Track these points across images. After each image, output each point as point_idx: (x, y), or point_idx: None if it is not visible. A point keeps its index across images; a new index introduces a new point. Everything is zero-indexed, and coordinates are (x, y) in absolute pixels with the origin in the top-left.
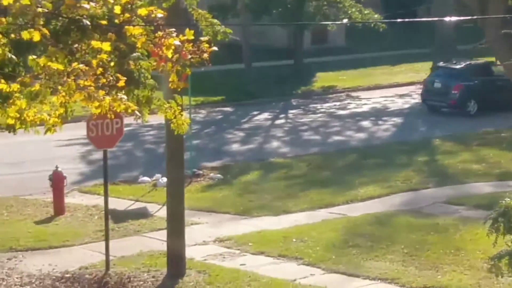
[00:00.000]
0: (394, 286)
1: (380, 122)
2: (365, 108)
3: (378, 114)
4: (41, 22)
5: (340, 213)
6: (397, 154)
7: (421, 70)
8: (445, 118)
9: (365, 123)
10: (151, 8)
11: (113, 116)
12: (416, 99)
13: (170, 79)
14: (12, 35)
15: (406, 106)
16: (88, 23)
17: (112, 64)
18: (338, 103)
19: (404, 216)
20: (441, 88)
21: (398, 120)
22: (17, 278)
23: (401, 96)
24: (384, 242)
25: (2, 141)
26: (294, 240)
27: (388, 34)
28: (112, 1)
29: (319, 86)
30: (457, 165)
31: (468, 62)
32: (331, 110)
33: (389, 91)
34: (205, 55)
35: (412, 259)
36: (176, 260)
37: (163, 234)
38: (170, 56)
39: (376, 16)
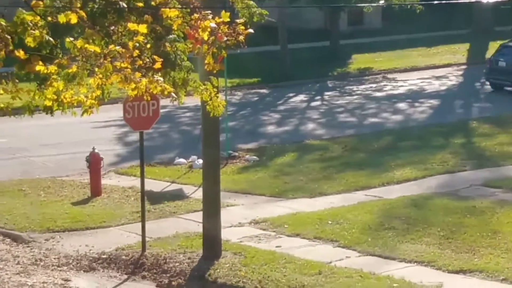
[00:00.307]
0: (430, 269)
1: (416, 104)
2: (401, 90)
3: (414, 96)
4: (78, 5)
5: (376, 195)
6: (434, 136)
7: (458, 52)
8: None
9: (401, 105)
10: None
11: (149, 98)
12: (453, 81)
13: (206, 61)
14: (50, 18)
15: (443, 88)
16: (125, 5)
17: (148, 46)
18: (374, 85)
19: (441, 199)
20: (506, 67)
21: (434, 102)
22: (54, 258)
23: (438, 78)
24: (420, 225)
25: (40, 123)
26: (329, 222)
27: (425, 15)
28: None
29: (355, 68)
30: (494, 147)
31: None
32: (367, 92)
33: (426, 73)
34: (241, 37)
35: (449, 242)
36: (212, 242)
37: (199, 216)
38: (206, 38)
39: None
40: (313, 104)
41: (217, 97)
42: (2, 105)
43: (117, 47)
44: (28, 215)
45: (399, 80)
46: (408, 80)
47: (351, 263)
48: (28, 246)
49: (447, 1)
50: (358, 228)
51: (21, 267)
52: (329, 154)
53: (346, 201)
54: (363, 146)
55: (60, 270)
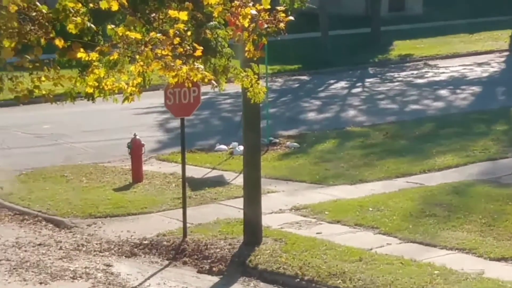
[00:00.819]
0: (471, 256)
1: (458, 91)
2: (443, 77)
3: (456, 82)
4: None
5: (417, 182)
6: (475, 123)
7: (500, 38)
8: None
9: (443, 92)
10: None
11: (190, 85)
12: (495, 67)
13: (246, 48)
14: (91, 5)
15: (485, 74)
16: None
17: (189, 33)
18: (415, 72)
19: (482, 186)
20: None
21: (476, 88)
22: (96, 244)
23: (480, 64)
24: (462, 212)
25: (81, 109)
26: (370, 209)
27: (466, 1)
28: None
29: (396, 55)
30: None
31: None
32: (409, 79)
33: (468, 60)
34: (281, 25)
35: (490, 229)
36: (252, 228)
37: (239, 202)
38: (246, 25)
39: None
40: (354, 90)
41: (258, 83)
42: (44, 92)
43: (158, 35)
44: (70, 201)
45: (440, 67)
46: (449, 66)
47: (392, 250)
48: (70, 232)
49: None
50: (399, 215)
51: (63, 252)
52: (370, 141)
53: (387, 188)
54: (404, 133)
55: (102, 256)
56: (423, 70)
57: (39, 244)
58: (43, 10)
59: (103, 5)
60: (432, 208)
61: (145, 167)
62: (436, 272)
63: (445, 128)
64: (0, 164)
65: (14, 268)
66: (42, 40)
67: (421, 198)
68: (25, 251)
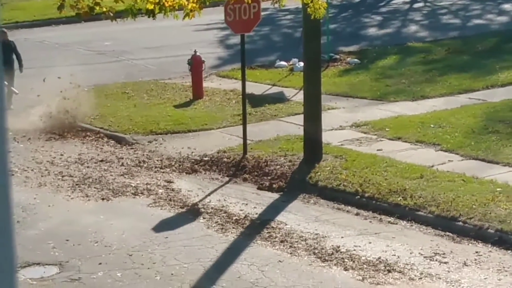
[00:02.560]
0: None
1: None
2: None
3: None
4: None
5: (479, 98)
6: None
7: None
8: None
9: (507, 6)
10: None
11: (250, 1)
12: None
13: None
14: None
15: None
16: None
17: None
18: None
19: None
20: None
21: None
22: (157, 160)
23: None
24: None
25: (142, 26)
26: (431, 125)
27: None
28: None
29: None
30: None
31: None
32: None
33: None
34: None
35: None
36: (312, 145)
37: (299, 119)
38: None
39: None
40: (416, 5)
41: None
42: (105, 9)
43: None
44: (132, 118)
45: None
46: None
47: (454, 167)
48: (131, 148)
49: None
50: (461, 131)
51: (125, 169)
52: (432, 57)
53: (449, 104)
54: (466, 48)
55: (163, 172)
56: None
57: (101, 161)
58: None
59: None
60: (495, 125)
61: (205, 84)
62: (498, 189)
63: (509, 43)
64: (63, 81)
65: (76, 184)
66: None
67: (484, 115)
68: (88, 167)
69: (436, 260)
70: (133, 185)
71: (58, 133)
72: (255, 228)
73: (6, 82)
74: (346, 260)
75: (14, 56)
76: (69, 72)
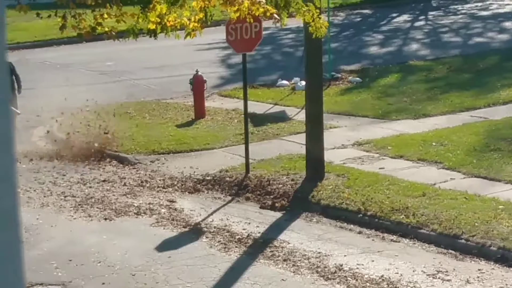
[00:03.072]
0: None
1: None
2: (508, 9)
3: None
4: None
5: (481, 116)
6: None
7: None
8: None
9: (508, 24)
10: None
11: (252, 20)
12: None
13: None
14: None
15: None
16: None
17: None
18: (480, 4)
19: None
20: None
21: None
22: (159, 180)
23: None
24: None
25: (144, 46)
26: (433, 143)
27: None
28: None
29: None
30: None
31: None
32: (473, 11)
33: None
34: None
35: None
36: (315, 163)
37: (302, 138)
38: None
39: None
40: (417, 24)
41: (320, 18)
42: (106, 29)
43: None
44: (134, 137)
45: None
46: None
47: (456, 185)
48: (134, 168)
49: None
50: (463, 149)
51: (127, 188)
52: (434, 75)
53: (451, 122)
54: (468, 66)
55: (165, 192)
56: (488, 2)
57: (104, 181)
58: None
59: None
60: (496, 142)
61: (207, 103)
62: (500, 207)
63: (510, 61)
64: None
65: (79, 204)
66: None
67: (486, 132)
68: (90, 187)
69: (439, 278)
70: (135, 205)
71: (62, 153)
72: (258, 247)
73: None
74: (349, 278)
75: (14, 77)
76: (70, 92)
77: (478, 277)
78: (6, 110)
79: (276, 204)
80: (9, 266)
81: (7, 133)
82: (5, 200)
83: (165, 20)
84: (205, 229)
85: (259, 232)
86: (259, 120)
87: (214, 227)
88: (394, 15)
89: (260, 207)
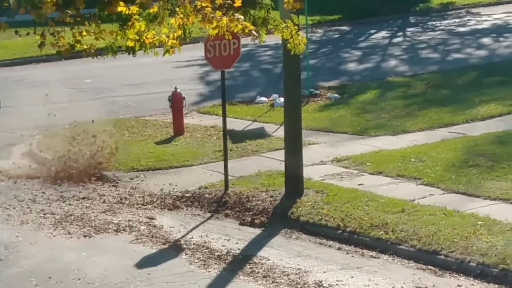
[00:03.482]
0: None
1: (501, 39)
2: (485, 25)
3: (499, 30)
4: None
5: (460, 132)
6: None
7: None
8: None
9: (486, 40)
10: None
11: (230, 37)
12: None
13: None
14: None
15: None
16: None
17: None
18: (457, 20)
19: None
20: None
21: None
22: (139, 197)
23: None
24: (505, 162)
25: (123, 63)
26: (412, 160)
27: None
28: None
29: (437, 3)
30: None
31: None
32: (450, 27)
33: (511, 7)
34: None
35: None
36: (294, 180)
37: (281, 154)
38: None
39: None
40: (395, 40)
41: (298, 35)
42: (85, 47)
43: None
44: (113, 155)
45: (483, 15)
46: (492, 14)
47: (435, 200)
48: (113, 185)
49: None
50: (442, 165)
51: (107, 206)
52: (412, 91)
53: (429, 138)
54: (446, 82)
55: (145, 209)
56: (465, 18)
57: (83, 198)
58: None
59: None
60: (475, 158)
61: (186, 120)
62: (479, 222)
63: (488, 77)
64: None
65: (58, 222)
66: None
67: (464, 148)
68: (69, 204)
69: None
70: (115, 222)
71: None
72: (238, 263)
73: None
74: None
75: None
76: (49, 110)
77: None
78: None
79: (256, 221)
80: None
81: None
82: None
83: (144, 37)
84: (185, 246)
85: (238, 249)
86: (238, 136)
87: (194, 244)
88: (372, 31)
89: (240, 224)
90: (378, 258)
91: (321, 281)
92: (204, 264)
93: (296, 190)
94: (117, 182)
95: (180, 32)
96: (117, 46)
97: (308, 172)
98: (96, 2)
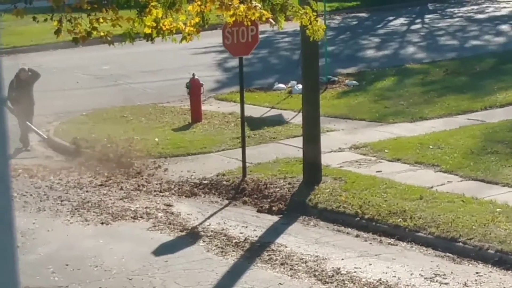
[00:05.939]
0: None
1: None
2: (504, 12)
3: None
4: None
5: (478, 119)
6: None
7: None
8: None
9: (504, 27)
10: None
11: (249, 23)
12: None
13: None
14: None
15: None
16: None
17: None
18: (476, 7)
19: None
20: None
21: None
22: (156, 184)
23: None
24: None
25: (140, 50)
26: (430, 146)
27: None
28: None
29: None
30: None
31: None
32: (469, 14)
33: None
34: None
35: None
36: (312, 167)
37: (298, 141)
38: None
39: None
40: (413, 27)
41: (317, 21)
42: (102, 33)
43: None
44: (131, 142)
45: (501, 1)
46: (511, 1)
47: (453, 188)
48: (133, 173)
49: None
50: (460, 152)
51: (124, 193)
52: (430, 78)
53: (448, 125)
54: (464, 69)
55: (162, 196)
56: (484, 5)
57: (100, 185)
58: None
59: None
60: (493, 145)
61: (204, 107)
62: (498, 209)
63: (507, 63)
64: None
65: (76, 209)
66: None
67: (483, 135)
68: (87, 191)
69: (436, 281)
70: (132, 209)
71: (57, 158)
72: (255, 251)
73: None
74: (346, 282)
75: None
76: (66, 96)
77: (475, 280)
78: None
79: (273, 208)
80: (3, 266)
81: (1, 134)
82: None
83: (161, 24)
84: (202, 233)
85: (256, 236)
86: (255, 123)
87: (211, 231)
88: (391, 18)
89: (257, 211)
90: (396, 245)
91: (339, 268)
92: (222, 252)
93: (314, 177)
94: (135, 169)
95: (197, 19)
96: (134, 33)
97: (326, 159)
98: None
